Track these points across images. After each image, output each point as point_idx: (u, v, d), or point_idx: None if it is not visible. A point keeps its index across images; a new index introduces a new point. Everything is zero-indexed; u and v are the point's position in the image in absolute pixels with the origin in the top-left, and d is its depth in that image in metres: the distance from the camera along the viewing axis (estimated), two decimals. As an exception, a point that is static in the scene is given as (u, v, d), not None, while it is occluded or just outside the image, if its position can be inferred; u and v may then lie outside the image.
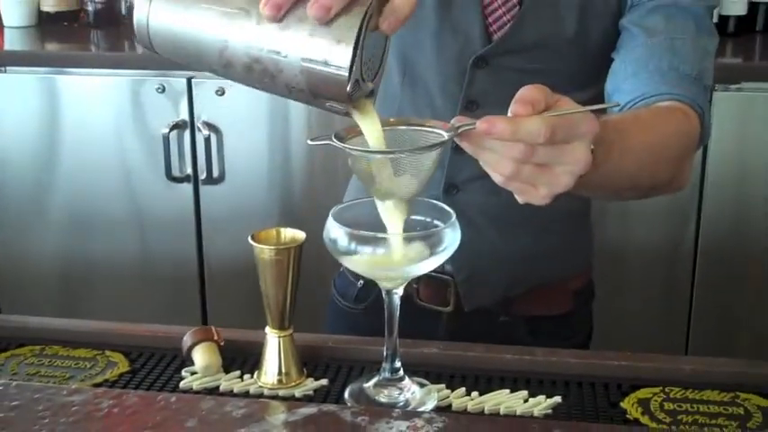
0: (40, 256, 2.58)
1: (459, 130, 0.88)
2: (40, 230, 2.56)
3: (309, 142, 0.95)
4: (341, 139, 0.93)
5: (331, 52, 0.86)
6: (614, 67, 1.22)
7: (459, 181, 1.34)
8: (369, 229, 0.98)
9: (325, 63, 0.86)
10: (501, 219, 1.35)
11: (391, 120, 0.96)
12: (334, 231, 0.99)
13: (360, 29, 0.85)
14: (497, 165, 0.88)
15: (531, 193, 0.89)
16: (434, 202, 1.04)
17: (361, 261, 0.99)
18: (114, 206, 2.50)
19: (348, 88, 0.87)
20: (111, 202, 2.50)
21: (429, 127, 0.94)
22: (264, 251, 1.06)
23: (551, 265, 1.41)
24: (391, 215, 0.97)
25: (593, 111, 0.89)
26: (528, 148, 0.85)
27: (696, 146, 1.16)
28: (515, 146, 0.85)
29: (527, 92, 0.86)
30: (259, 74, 0.89)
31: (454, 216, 1.01)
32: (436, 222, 1.02)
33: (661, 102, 1.13)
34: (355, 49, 0.85)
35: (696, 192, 2.26)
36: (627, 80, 1.18)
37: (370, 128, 0.93)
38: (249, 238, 1.07)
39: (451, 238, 1.00)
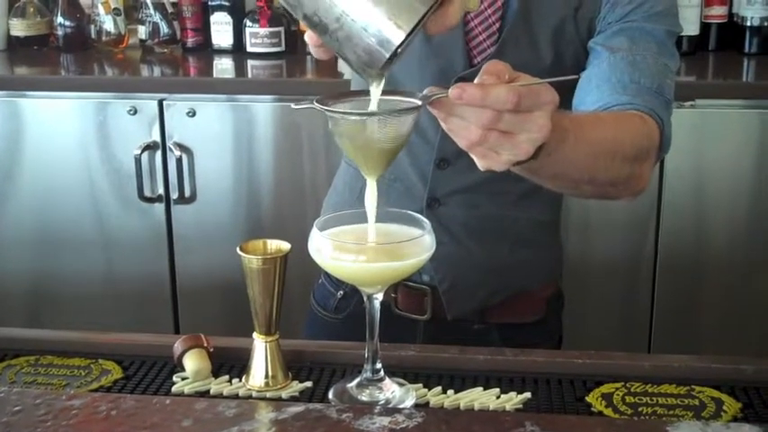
0: (5, 275, 2.59)
1: (432, 98, 0.94)
2: (7, 249, 2.56)
3: (293, 106, 1.01)
4: (322, 104, 0.99)
5: (386, 30, 0.90)
6: (580, 83, 1.29)
7: (440, 195, 1.41)
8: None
9: (377, 38, 0.90)
10: (480, 230, 1.42)
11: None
12: (318, 241, 1.07)
13: (420, 19, 0.90)
14: (465, 130, 0.93)
15: (493, 158, 0.95)
16: (412, 213, 1.11)
17: (345, 266, 1.06)
18: (85, 226, 2.52)
19: (381, 66, 0.91)
20: (82, 223, 2.51)
21: (405, 96, 1.00)
22: (252, 261, 1.12)
23: (526, 274, 1.48)
24: (370, 182, 1.04)
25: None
26: (495, 114, 0.90)
27: (656, 152, 1.22)
28: (484, 112, 0.91)
29: (492, 65, 0.93)
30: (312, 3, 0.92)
31: (430, 225, 1.08)
32: (412, 231, 1.09)
33: (622, 111, 1.21)
34: (407, 35, 0.90)
35: (654, 204, 2.34)
36: (590, 93, 1.26)
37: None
38: (237, 249, 1.13)
39: (429, 241, 1.07)
